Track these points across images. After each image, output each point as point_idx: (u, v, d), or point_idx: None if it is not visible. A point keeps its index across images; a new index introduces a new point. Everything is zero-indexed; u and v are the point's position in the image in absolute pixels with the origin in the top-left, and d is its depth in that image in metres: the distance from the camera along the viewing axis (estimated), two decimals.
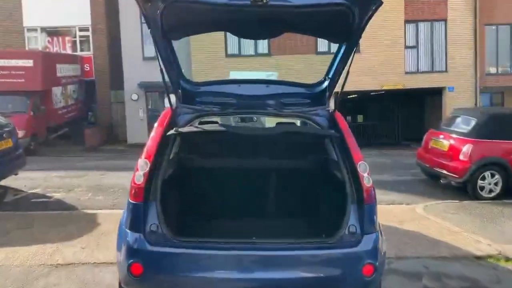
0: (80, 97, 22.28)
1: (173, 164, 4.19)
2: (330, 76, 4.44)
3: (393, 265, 5.43)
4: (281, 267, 3.55)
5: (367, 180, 3.70)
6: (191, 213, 4.66)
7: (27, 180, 10.68)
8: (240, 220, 4.51)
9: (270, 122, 8.37)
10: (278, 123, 4.82)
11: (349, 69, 4.01)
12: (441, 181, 10.29)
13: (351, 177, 3.79)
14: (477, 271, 5.47)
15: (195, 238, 3.71)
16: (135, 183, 3.61)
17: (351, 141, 3.95)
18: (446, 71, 20.74)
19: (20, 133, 14.66)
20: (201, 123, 4.56)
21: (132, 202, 3.61)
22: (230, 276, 3.57)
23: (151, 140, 3.88)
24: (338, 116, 4.25)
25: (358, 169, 3.73)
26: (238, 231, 4.05)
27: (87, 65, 22.44)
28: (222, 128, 4.24)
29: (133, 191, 3.61)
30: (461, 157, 9.53)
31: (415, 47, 20.75)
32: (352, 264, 3.61)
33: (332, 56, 4.45)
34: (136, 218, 3.58)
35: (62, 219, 7.37)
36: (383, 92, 21.00)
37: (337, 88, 4.35)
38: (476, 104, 20.52)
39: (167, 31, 3.88)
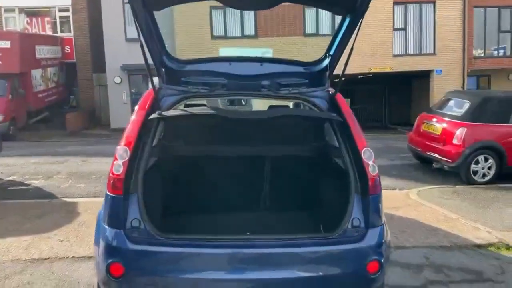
0: (61, 80, 21.75)
1: (157, 152, 3.77)
2: (331, 53, 4.02)
3: (393, 255, 5.13)
4: (278, 265, 3.21)
5: (372, 168, 3.35)
6: (178, 207, 4.26)
7: (4, 166, 10.36)
8: (232, 214, 4.14)
9: (260, 104, 7.95)
10: (270, 106, 4.43)
11: (353, 45, 3.60)
12: (433, 165, 10.05)
13: (355, 165, 3.45)
14: (480, 261, 5.24)
15: (182, 235, 3.34)
16: (113, 174, 3.20)
17: (354, 125, 3.58)
18: (434, 53, 20.55)
19: None
20: (187, 106, 4.16)
21: (111, 194, 3.21)
22: (222, 277, 3.22)
23: (132, 124, 3.46)
24: (340, 98, 3.86)
25: (363, 157, 3.37)
26: (230, 226, 3.71)
27: (68, 46, 21.87)
28: (212, 111, 3.80)
29: (111, 182, 3.21)
30: (454, 141, 9.32)
31: (404, 29, 20.50)
32: (356, 261, 3.28)
33: (323, 35, 4.04)
34: (115, 213, 3.19)
35: (40, 209, 7.04)
36: (371, 75, 20.74)
37: (339, 68, 3.93)
38: (463, 87, 20.38)
39: (147, 0, 3.43)
